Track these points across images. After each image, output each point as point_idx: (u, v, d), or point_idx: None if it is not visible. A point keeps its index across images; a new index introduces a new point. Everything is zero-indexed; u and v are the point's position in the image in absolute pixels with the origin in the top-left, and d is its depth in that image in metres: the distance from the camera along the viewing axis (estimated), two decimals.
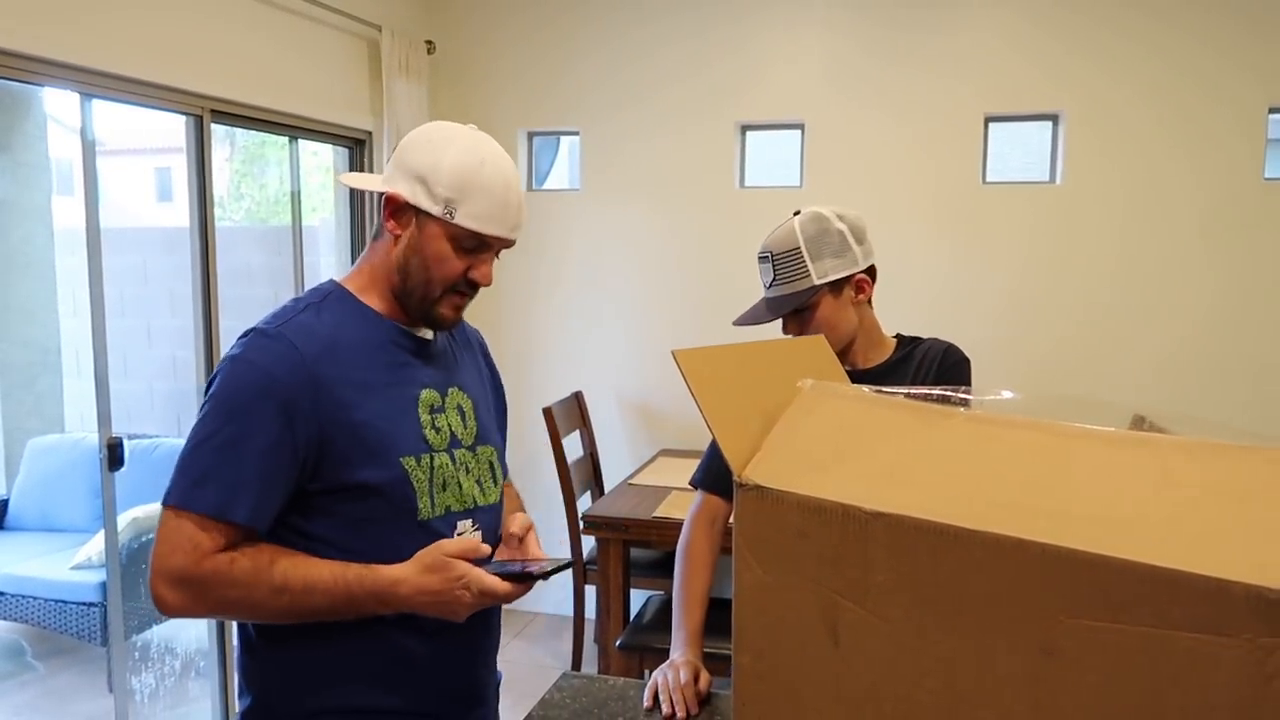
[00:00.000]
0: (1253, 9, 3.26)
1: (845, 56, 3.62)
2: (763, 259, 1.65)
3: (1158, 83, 3.36)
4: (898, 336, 1.75)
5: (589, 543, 3.36)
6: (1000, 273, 3.56)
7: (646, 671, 2.74)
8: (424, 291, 1.27)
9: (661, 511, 2.89)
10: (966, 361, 1.66)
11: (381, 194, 1.27)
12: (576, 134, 3.97)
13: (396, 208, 1.26)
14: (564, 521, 3.35)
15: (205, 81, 2.83)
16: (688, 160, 3.80)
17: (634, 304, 3.92)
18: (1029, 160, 3.70)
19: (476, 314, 4.07)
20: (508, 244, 1.30)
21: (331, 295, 1.30)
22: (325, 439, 1.19)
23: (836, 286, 1.63)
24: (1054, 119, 3.53)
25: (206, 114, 2.88)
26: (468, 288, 1.29)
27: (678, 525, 2.80)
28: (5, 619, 3.59)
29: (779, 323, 1.69)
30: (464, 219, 1.22)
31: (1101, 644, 0.63)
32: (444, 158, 1.23)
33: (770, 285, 1.64)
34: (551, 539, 3.83)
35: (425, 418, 1.28)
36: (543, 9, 3.90)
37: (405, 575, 1.17)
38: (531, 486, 3.85)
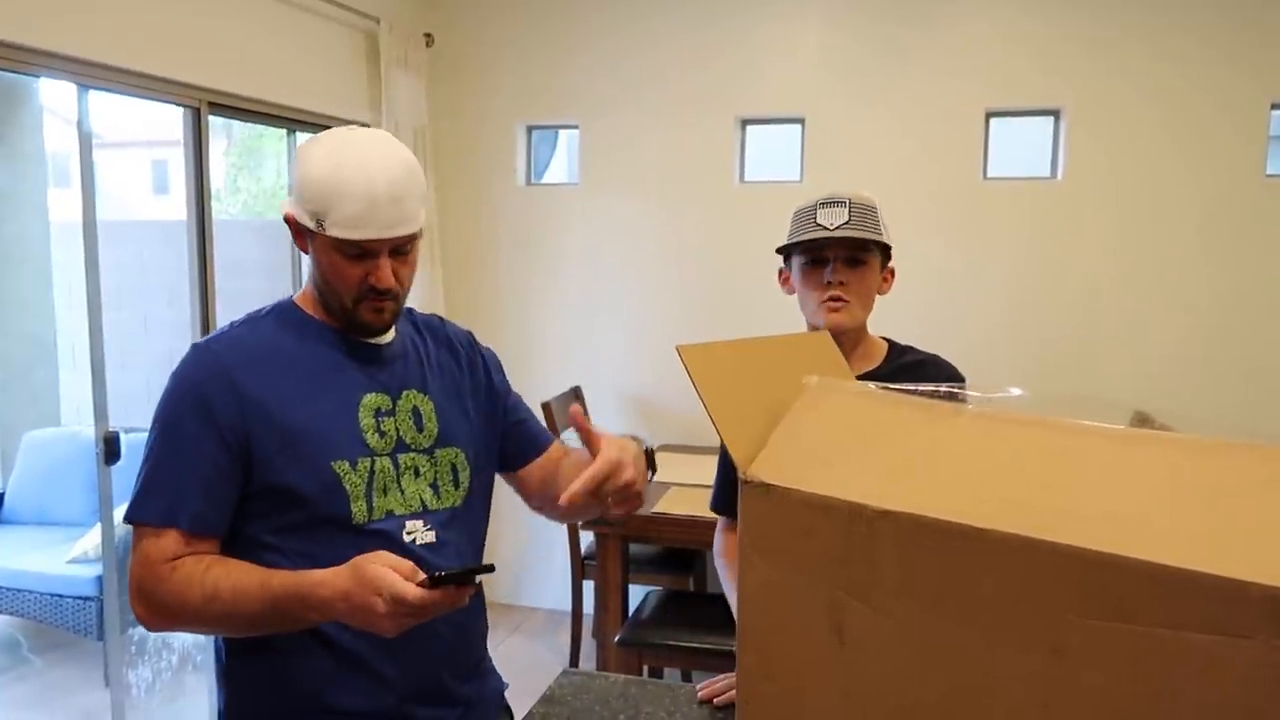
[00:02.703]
0: (1254, 5, 3.25)
1: (846, 50, 3.61)
2: (835, 203, 1.59)
3: (1159, 78, 3.35)
4: (888, 342, 1.70)
5: (587, 538, 3.36)
6: (1000, 269, 3.56)
7: (646, 667, 2.73)
8: (338, 302, 1.27)
9: (660, 507, 2.88)
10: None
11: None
12: (576, 128, 3.95)
13: (292, 227, 1.26)
14: None
15: (203, 73, 2.81)
16: (687, 154, 3.79)
17: (633, 298, 3.91)
18: (1030, 156, 3.69)
19: (475, 308, 4.08)
20: (398, 242, 1.24)
21: (277, 308, 1.34)
22: (251, 444, 1.21)
23: (882, 263, 1.64)
24: (1055, 114, 3.52)
25: (204, 106, 2.87)
26: (375, 294, 1.25)
27: (676, 521, 2.81)
28: (1, 613, 3.58)
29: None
30: (332, 228, 1.19)
31: (1112, 644, 0.62)
32: (306, 169, 1.20)
33: (841, 226, 1.58)
34: (550, 535, 3.82)
35: (368, 421, 1.28)
36: (542, 2, 3.88)
37: (328, 578, 1.12)
38: None
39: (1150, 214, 3.41)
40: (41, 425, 4.38)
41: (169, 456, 1.21)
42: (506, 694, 1.49)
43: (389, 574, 1.07)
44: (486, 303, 3.94)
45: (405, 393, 1.33)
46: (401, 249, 1.25)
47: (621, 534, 2.90)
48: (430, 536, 1.30)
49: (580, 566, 3.41)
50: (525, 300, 4.01)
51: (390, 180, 1.19)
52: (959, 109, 3.52)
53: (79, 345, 4.28)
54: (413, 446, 1.31)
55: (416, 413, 1.33)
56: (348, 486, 1.24)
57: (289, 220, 1.26)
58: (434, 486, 1.32)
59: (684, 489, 3.06)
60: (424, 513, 1.30)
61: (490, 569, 1.13)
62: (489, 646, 1.47)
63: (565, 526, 3.33)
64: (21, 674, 3.59)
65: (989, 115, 3.54)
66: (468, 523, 1.38)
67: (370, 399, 1.29)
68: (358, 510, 1.24)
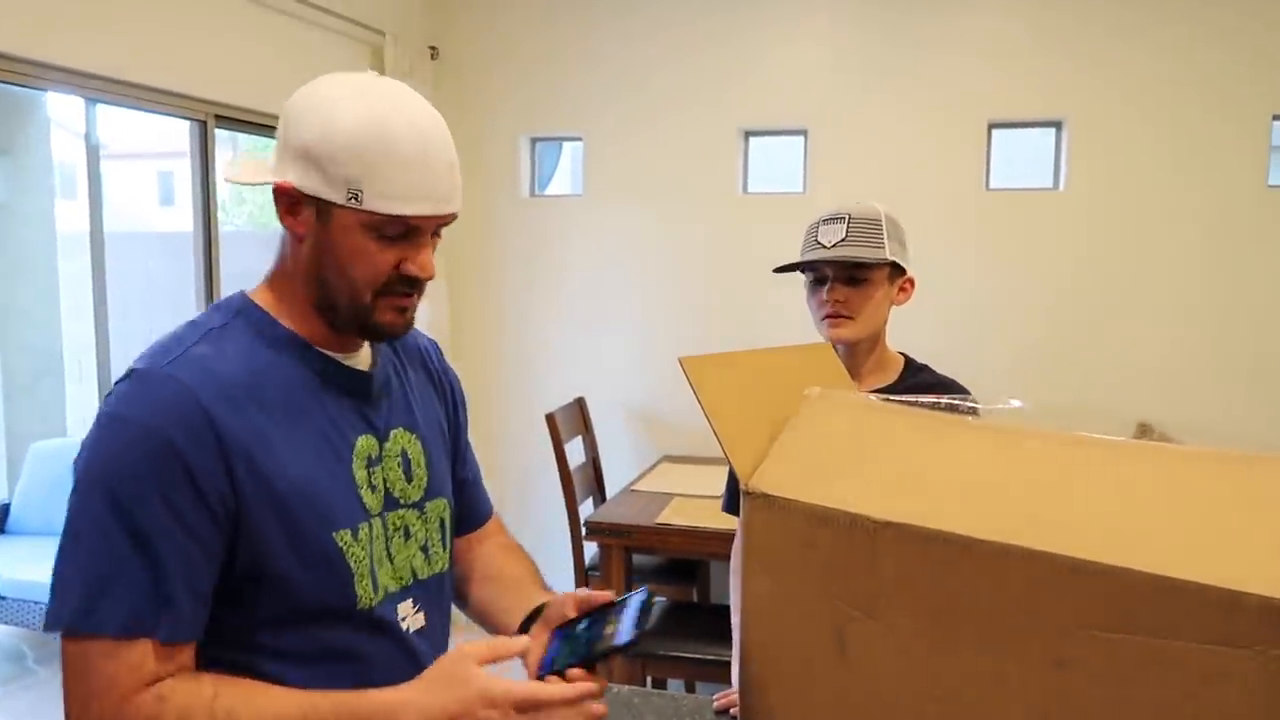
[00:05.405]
0: (1255, 17, 3.26)
1: (847, 63, 3.62)
2: (835, 219, 1.59)
3: (1161, 89, 3.36)
4: (905, 358, 1.69)
5: (591, 549, 3.35)
6: (1002, 280, 3.56)
7: (649, 678, 2.73)
8: (350, 300, 0.97)
9: (664, 518, 2.88)
10: None
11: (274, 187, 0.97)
12: (579, 139, 3.97)
13: (290, 201, 0.96)
14: (566, 528, 3.34)
15: (209, 86, 2.83)
16: (690, 165, 3.80)
17: (636, 309, 3.92)
18: (1032, 168, 3.70)
19: (479, 319, 4.09)
20: (446, 221, 0.99)
21: (240, 316, 1.00)
22: (241, 510, 0.91)
23: (893, 275, 1.60)
24: (1057, 126, 3.53)
25: (210, 119, 2.89)
26: (406, 285, 0.98)
27: (681, 531, 2.81)
28: (6, 623, 3.59)
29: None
30: (375, 201, 0.92)
31: (1113, 655, 0.62)
32: (335, 124, 0.91)
33: (837, 244, 1.57)
34: (554, 545, 3.83)
35: (361, 475, 1.01)
36: (546, 15, 3.90)
37: (407, 696, 0.89)
38: (533, 493, 3.85)
39: (1152, 225, 3.42)
40: (48, 436, 4.39)
41: (129, 538, 0.86)
42: None
43: (490, 677, 0.87)
44: (490, 314, 3.94)
45: (394, 432, 1.07)
46: (438, 232, 1.00)
47: (625, 544, 2.89)
48: (420, 620, 1.07)
49: (584, 577, 3.41)
50: (528, 311, 4.02)
51: (442, 141, 0.96)
52: (961, 120, 3.53)
53: (85, 356, 4.30)
54: (402, 501, 1.06)
55: (405, 457, 1.07)
56: (351, 563, 0.97)
57: (288, 191, 0.95)
58: (424, 549, 1.09)
59: (687, 499, 3.06)
60: (414, 585, 1.06)
61: (650, 600, 0.93)
62: None
63: (569, 536, 3.33)
64: (27, 684, 3.59)
65: (991, 127, 3.55)
66: (446, 589, 1.15)
67: (362, 443, 1.02)
68: (363, 592, 0.99)
